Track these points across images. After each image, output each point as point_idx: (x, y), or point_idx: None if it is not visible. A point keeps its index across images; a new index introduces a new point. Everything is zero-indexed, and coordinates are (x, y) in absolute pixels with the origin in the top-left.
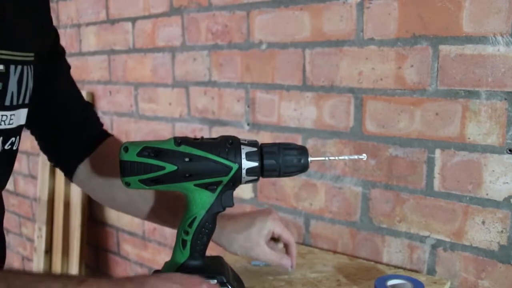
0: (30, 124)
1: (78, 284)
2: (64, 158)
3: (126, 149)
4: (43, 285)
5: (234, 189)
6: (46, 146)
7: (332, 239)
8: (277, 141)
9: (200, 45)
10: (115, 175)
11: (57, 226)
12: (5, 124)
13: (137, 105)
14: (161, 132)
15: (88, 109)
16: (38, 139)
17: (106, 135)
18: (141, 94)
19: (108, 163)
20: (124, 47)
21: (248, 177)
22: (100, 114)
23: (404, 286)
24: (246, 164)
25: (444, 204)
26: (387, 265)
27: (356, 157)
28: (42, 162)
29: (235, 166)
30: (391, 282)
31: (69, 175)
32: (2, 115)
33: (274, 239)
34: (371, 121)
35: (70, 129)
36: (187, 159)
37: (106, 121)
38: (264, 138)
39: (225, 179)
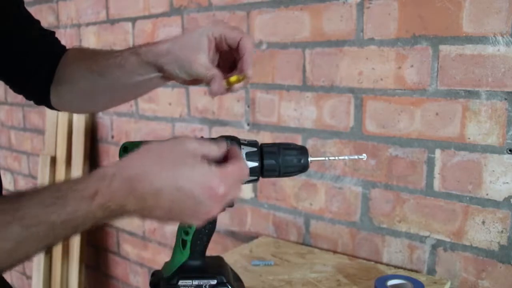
0: None
1: (91, 199)
2: (36, 87)
3: (126, 149)
4: (55, 215)
5: None
6: (17, 85)
7: (332, 239)
8: (277, 141)
9: None
10: (78, 78)
11: None
12: None
13: (137, 105)
14: (161, 132)
15: (48, 35)
16: (8, 80)
17: (66, 49)
18: None
19: (68, 69)
20: (124, 47)
21: (248, 177)
22: (100, 115)
23: (404, 286)
24: (246, 164)
25: (444, 204)
26: (387, 265)
27: (356, 157)
28: (42, 162)
29: None
30: (391, 282)
31: (49, 103)
32: None
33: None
34: (371, 121)
35: (33, 58)
36: None
37: (106, 121)
38: (264, 138)
39: None
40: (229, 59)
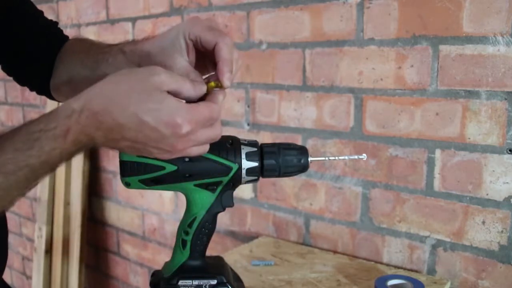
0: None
1: (64, 137)
2: (37, 79)
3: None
4: (33, 158)
5: (234, 189)
6: (19, 76)
7: (332, 239)
8: (277, 141)
9: None
10: (72, 72)
11: (57, 226)
12: None
13: None
14: None
15: (50, 26)
16: (10, 72)
17: (68, 40)
18: None
19: (64, 63)
20: None
21: (248, 177)
22: None
23: (404, 286)
24: (246, 164)
25: (444, 204)
26: (387, 265)
27: (356, 157)
28: None
29: (235, 166)
30: (391, 282)
31: (49, 92)
32: None
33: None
34: (371, 121)
35: (34, 49)
36: (187, 159)
37: None
38: (264, 138)
39: (225, 179)
40: (212, 58)
